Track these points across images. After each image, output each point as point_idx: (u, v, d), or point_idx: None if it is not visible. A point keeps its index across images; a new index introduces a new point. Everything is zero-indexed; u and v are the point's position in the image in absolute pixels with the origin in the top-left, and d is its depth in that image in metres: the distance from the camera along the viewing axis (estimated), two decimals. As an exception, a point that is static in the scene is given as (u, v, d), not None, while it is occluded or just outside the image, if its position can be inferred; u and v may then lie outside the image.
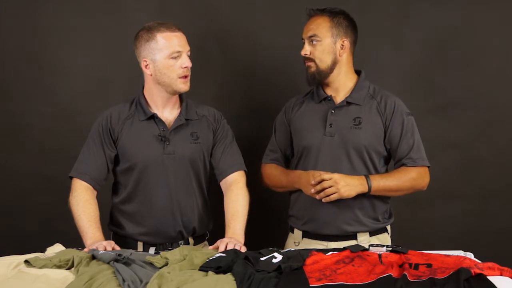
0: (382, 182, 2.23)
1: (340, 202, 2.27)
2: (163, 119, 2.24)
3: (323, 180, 2.17)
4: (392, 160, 2.36)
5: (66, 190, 2.79)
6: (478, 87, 2.84)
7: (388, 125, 2.30)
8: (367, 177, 2.23)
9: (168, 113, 2.26)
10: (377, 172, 2.32)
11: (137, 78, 2.78)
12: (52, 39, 2.84)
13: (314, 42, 2.27)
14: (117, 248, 2.01)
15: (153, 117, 2.24)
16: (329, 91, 2.34)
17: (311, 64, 2.29)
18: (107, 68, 2.86)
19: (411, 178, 2.26)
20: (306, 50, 2.29)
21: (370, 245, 1.91)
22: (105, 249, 1.94)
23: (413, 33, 2.83)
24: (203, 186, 2.32)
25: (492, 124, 2.86)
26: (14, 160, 2.90)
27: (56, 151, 2.88)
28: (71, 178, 2.26)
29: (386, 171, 2.36)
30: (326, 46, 2.28)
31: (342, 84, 2.33)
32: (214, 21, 2.83)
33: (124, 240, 2.26)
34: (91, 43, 2.84)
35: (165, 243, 2.24)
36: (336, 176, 2.17)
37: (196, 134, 2.27)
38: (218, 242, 2.02)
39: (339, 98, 2.33)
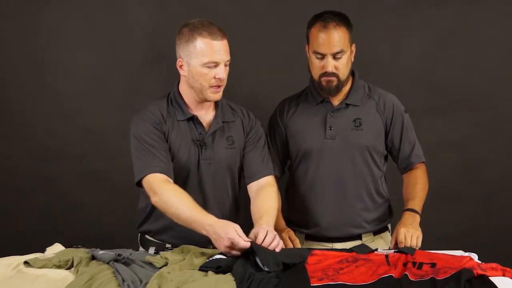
0: (419, 201, 2.22)
1: (344, 206, 2.27)
2: (201, 121, 2.15)
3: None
4: (393, 158, 2.37)
5: (66, 190, 2.80)
6: (478, 87, 2.84)
7: (390, 125, 2.31)
8: (411, 210, 2.18)
9: (204, 114, 2.17)
10: (380, 171, 2.34)
11: (137, 77, 2.79)
12: (52, 39, 2.84)
13: (339, 57, 2.20)
14: (237, 226, 1.88)
15: (193, 119, 2.15)
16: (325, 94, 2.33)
17: (334, 79, 2.22)
18: (107, 68, 2.86)
19: (425, 181, 2.29)
20: (332, 66, 2.20)
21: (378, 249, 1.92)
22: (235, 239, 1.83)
23: (413, 33, 2.82)
24: (236, 191, 2.25)
25: (492, 124, 2.85)
26: (14, 160, 2.90)
27: (56, 151, 2.88)
28: (139, 185, 2.09)
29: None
30: (347, 58, 2.23)
31: None
32: (214, 21, 2.82)
33: (151, 243, 2.20)
34: (91, 43, 2.84)
35: None
36: (402, 228, 2.06)
37: (231, 138, 2.19)
38: (257, 228, 1.92)
39: (336, 100, 2.32)
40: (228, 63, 2.10)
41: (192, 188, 2.13)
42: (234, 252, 1.84)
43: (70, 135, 2.86)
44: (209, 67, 2.05)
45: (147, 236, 2.24)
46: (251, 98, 2.84)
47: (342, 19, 2.22)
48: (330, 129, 2.28)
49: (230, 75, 2.83)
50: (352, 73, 2.34)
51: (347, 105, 2.30)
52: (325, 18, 2.21)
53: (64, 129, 2.87)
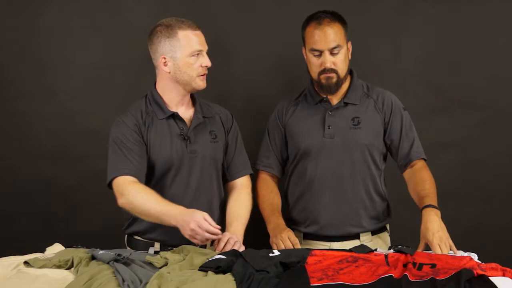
0: (433, 197, 2.18)
1: (343, 204, 2.27)
2: (182, 117, 2.21)
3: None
4: (393, 156, 2.37)
5: (66, 190, 2.80)
6: (478, 87, 2.84)
7: (388, 122, 2.31)
8: (429, 206, 2.14)
9: (184, 111, 2.23)
10: (379, 170, 2.34)
11: (137, 77, 2.79)
12: (52, 39, 2.84)
13: (336, 52, 2.22)
14: (206, 214, 1.95)
15: (173, 116, 2.20)
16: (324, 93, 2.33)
17: (333, 75, 2.24)
18: (107, 68, 2.86)
19: (431, 178, 2.26)
20: (330, 62, 2.22)
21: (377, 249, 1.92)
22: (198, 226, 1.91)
23: (413, 33, 2.82)
24: (221, 186, 2.30)
25: (492, 124, 2.85)
26: (14, 160, 2.90)
27: (56, 151, 2.88)
28: (110, 186, 2.13)
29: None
30: (345, 54, 2.26)
31: None
32: (214, 21, 2.83)
33: (138, 242, 2.23)
34: (91, 43, 2.84)
35: (181, 244, 2.12)
36: (434, 240, 1.99)
37: (214, 133, 2.25)
38: (221, 235, 2.01)
39: (335, 99, 2.33)
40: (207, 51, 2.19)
41: (179, 184, 2.18)
42: (199, 237, 1.91)
43: (70, 135, 2.86)
44: (194, 56, 2.14)
45: (135, 237, 2.25)
46: (250, 98, 2.85)
47: (336, 16, 2.26)
48: (329, 128, 2.29)
49: (229, 76, 2.85)
50: (350, 72, 2.35)
51: (346, 104, 2.31)
52: (318, 16, 2.25)
53: (64, 129, 2.87)
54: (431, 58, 2.84)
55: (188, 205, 2.12)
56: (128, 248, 2.25)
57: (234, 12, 2.84)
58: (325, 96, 2.32)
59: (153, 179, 2.19)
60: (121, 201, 2.08)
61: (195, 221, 1.91)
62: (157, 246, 2.21)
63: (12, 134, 2.88)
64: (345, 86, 2.33)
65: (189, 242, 2.06)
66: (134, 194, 2.05)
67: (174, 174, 2.18)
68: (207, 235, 1.92)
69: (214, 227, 1.92)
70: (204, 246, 2.19)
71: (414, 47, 2.84)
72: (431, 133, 2.78)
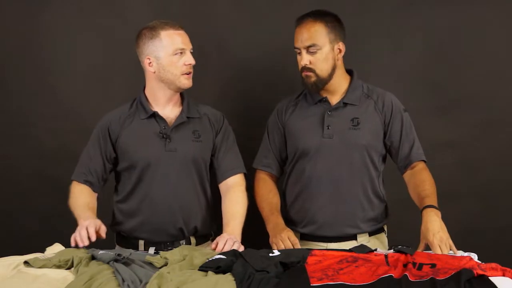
0: (434, 198, 2.17)
1: (340, 205, 2.27)
2: (164, 117, 2.25)
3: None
4: (393, 157, 2.36)
5: (66, 190, 2.79)
6: (478, 87, 2.84)
7: (388, 123, 2.30)
8: (430, 206, 2.12)
9: (170, 111, 2.27)
10: (378, 171, 2.33)
11: (137, 78, 2.78)
12: (52, 39, 2.85)
13: (313, 51, 2.22)
14: (103, 227, 2.02)
15: (154, 115, 2.25)
16: (324, 93, 2.32)
17: (311, 74, 2.24)
18: (107, 68, 2.86)
19: (431, 178, 2.25)
20: (306, 60, 2.23)
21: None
22: (88, 231, 1.96)
23: (413, 33, 2.82)
24: (205, 185, 2.32)
25: (492, 124, 2.85)
26: (14, 160, 2.90)
27: (56, 151, 2.88)
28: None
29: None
30: (326, 54, 2.24)
31: (337, 86, 2.31)
32: (213, 21, 2.84)
33: (126, 240, 2.28)
34: (91, 43, 2.85)
35: (166, 242, 2.23)
36: (434, 241, 1.98)
37: (198, 133, 2.27)
38: (218, 238, 2.03)
39: (334, 99, 2.32)
40: (191, 51, 2.22)
41: (159, 182, 2.22)
42: (76, 235, 1.95)
43: (70, 135, 2.86)
44: (177, 54, 2.18)
45: (123, 234, 2.31)
46: (250, 98, 2.85)
47: (322, 15, 2.25)
48: (328, 128, 2.28)
49: (231, 76, 2.86)
50: (350, 72, 2.35)
51: (345, 104, 2.30)
52: (304, 15, 2.27)
53: (64, 129, 2.87)
54: (431, 58, 2.84)
55: (170, 203, 2.22)
56: (118, 247, 2.30)
57: (233, 12, 2.84)
58: (324, 96, 2.32)
59: (134, 178, 2.24)
60: (68, 203, 2.23)
61: (84, 222, 1.99)
62: (141, 243, 2.26)
63: (12, 134, 2.89)
64: (344, 86, 2.33)
65: (174, 239, 2.22)
66: (75, 197, 2.22)
67: (152, 172, 2.22)
68: (82, 233, 1.96)
69: (88, 233, 1.95)
70: (176, 238, 2.25)
71: (414, 47, 2.83)
72: (431, 133, 2.78)
